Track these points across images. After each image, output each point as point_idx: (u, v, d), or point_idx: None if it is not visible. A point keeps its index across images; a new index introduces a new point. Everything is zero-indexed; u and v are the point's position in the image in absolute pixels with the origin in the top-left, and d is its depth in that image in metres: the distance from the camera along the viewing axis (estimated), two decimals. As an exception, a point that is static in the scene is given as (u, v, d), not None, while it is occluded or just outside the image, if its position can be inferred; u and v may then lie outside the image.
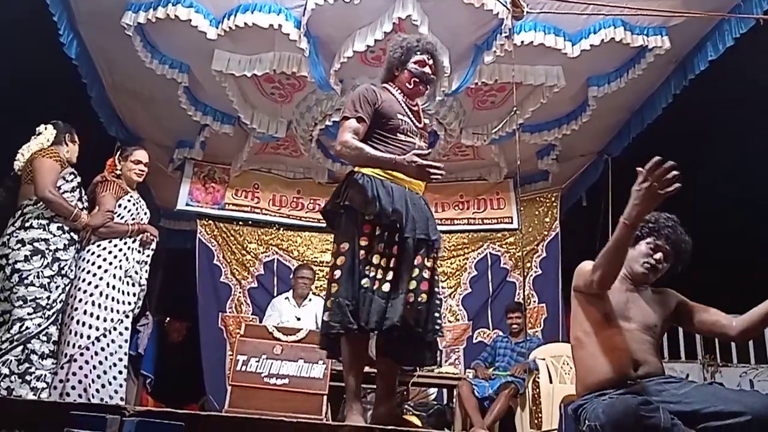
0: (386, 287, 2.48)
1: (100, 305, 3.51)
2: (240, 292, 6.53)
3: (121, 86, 5.44)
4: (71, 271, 3.52)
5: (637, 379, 2.23)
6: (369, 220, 2.55)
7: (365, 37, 4.50)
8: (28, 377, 3.25)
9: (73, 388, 3.37)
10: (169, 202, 6.70)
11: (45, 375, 3.32)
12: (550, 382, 4.56)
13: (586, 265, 2.41)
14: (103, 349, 3.49)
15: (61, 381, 3.38)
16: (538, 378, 4.65)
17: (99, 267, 3.57)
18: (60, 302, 3.43)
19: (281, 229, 6.78)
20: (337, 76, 4.93)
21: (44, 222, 3.46)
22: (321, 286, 6.52)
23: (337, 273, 2.53)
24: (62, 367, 3.41)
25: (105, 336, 3.50)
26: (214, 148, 6.34)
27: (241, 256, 6.62)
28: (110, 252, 3.63)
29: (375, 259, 2.51)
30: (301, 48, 4.56)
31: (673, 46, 4.61)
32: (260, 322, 5.71)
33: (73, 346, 3.42)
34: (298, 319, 5.33)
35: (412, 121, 2.81)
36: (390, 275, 2.50)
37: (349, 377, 2.57)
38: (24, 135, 3.70)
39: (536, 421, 4.59)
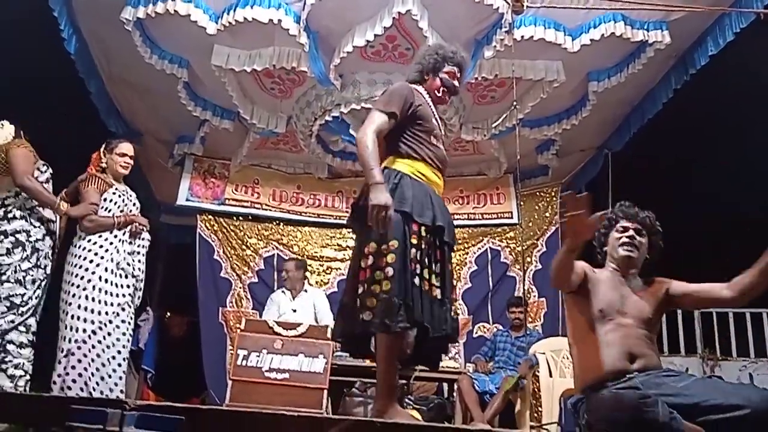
0: (437, 293, 2.50)
1: (93, 299, 3.51)
2: (240, 287, 6.54)
3: (121, 81, 5.43)
4: (47, 260, 3.53)
5: (635, 373, 2.24)
6: (417, 220, 2.52)
7: (365, 32, 4.49)
8: (4, 366, 3.29)
9: (74, 381, 3.39)
10: (169, 198, 6.70)
11: (23, 363, 3.35)
12: (550, 376, 4.57)
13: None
14: (100, 342, 3.49)
15: (59, 375, 3.40)
16: (538, 372, 4.66)
17: (90, 261, 3.57)
18: (36, 297, 3.45)
19: (281, 224, 6.79)
20: (337, 71, 4.92)
21: (26, 213, 3.49)
22: (320, 280, 6.56)
23: (389, 271, 2.43)
24: (59, 362, 3.43)
25: (101, 329, 3.50)
26: (214, 144, 6.34)
27: (241, 251, 6.63)
28: (101, 246, 3.62)
29: (426, 261, 2.50)
30: (300, 43, 4.56)
31: (674, 40, 4.60)
32: (260, 316, 5.73)
33: (69, 340, 3.43)
34: (294, 311, 5.36)
35: (439, 126, 2.84)
36: (439, 281, 2.52)
37: (392, 375, 2.52)
38: (23, 132, 3.69)
39: (536, 415, 4.61)
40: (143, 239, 3.85)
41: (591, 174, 6.48)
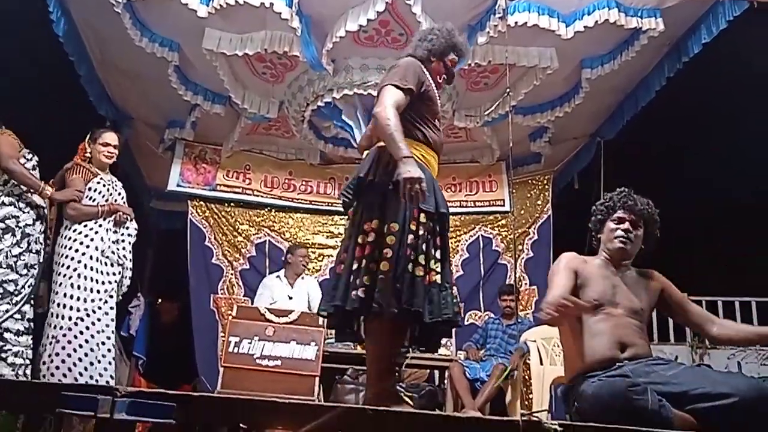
0: (437, 278, 2.47)
1: (79, 287, 3.56)
2: (232, 274, 6.52)
3: (111, 65, 5.37)
4: (39, 245, 3.57)
5: (625, 361, 2.24)
6: (420, 206, 2.47)
7: (358, 17, 4.46)
8: (3, 354, 3.32)
9: (57, 368, 3.43)
10: (159, 183, 6.66)
11: (22, 351, 3.39)
12: (541, 363, 4.59)
13: (560, 259, 2.46)
14: (87, 329, 3.53)
15: (44, 363, 3.45)
16: (529, 360, 4.68)
17: (76, 251, 3.62)
18: (29, 286, 3.48)
19: (273, 210, 6.76)
20: (329, 56, 4.88)
21: (14, 199, 3.52)
22: (312, 267, 6.55)
23: (388, 252, 2.42)
24: (44, 348, 3.47)
25: (88, 317, 3.55)
26: (205, 129, 6.29)
27: (232, 237, 6.60)
28: (85, 235, 3.67)
29: (424, 248, 2.47)
30: (293, 27, 4.51)
31: (667, 28, 4.59)
32: (252, 303, 5.71)
33: (55, 327, 3.49)
34: (291, 298, 5.34)
35: (440, 109, 2.83)
36: (439, 266, 2.50)
37: (384, 360, 2.54)
38: (13, 122, 3.69)
39: (527, 403, 4.64)
40: (128, 228, 3.88)
41: (584, 162, 6.48)
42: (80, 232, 3.66)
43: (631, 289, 2.44)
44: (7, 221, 3.45)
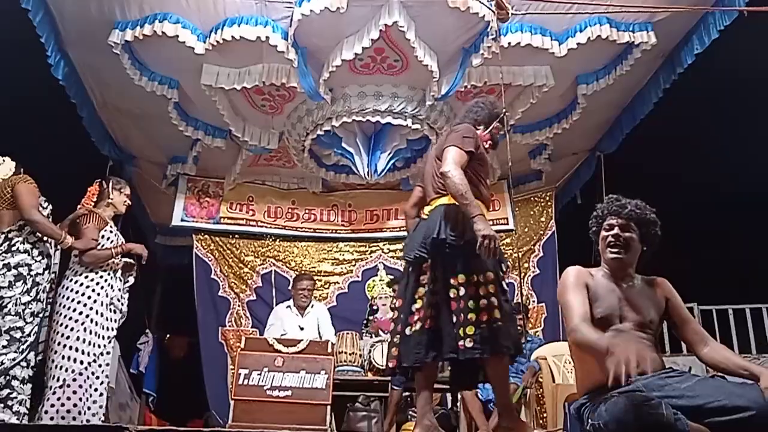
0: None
1: (91, 331, 3.67)
2: (239, 306, 6.51)
3: (112, 105, 5.44)
4: (44, 294, 3.62)
5: (637, 376, 2.21)
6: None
7: (353, 45, 4.51)
8: (9, 402, 3.35)
9: (68, 411, 3.49)
10: (164, 219, 6.69)
11: (25, 400, 3.42)
12: (553, 381, 4.55)
13: (567, 275, 2.43)
14: (93, 374, 3.64)
15: (53, 406, 3.49)
16: (541, 378, 4.64)
17: (89, 297, 3.72)
18: (34, 333, 3.52)
19: (277, 240, 6.78)
20: (327, 86, 4.94)
21: (28, 247, 3.57)
22: (319, 295, 6.53)
23: (494, 300, 2.72)
24: (53, 393, 3.51)
25: (95, 361, 3.66)
26: (206, 163, 6.34)
27: (238, 269, 6.61)
28: (97, 282, 3.79)
29: (491, 289, 2.76)
30: (289, 59, 4.57)
31: (660, 40, 4.64)
32: (261, 334, 5.70)
33: (66, 370, 3.55)
34: (302, 328, 5.31)
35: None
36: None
37: (508, 392, 2.96)
38: (16, 157, 3.75)
39: (541, 421, 4.58)
40: (131, 276, 4.07)
41: (585, 177, 6.49)
42: (92, 279, 3.77)
43: (639, 300, 2.37)
44: (19, 269, 3.50)
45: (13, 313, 3.42)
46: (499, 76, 4.74)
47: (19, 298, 3.46)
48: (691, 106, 6.00)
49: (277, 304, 5.98)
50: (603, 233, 2.45)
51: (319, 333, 5.34)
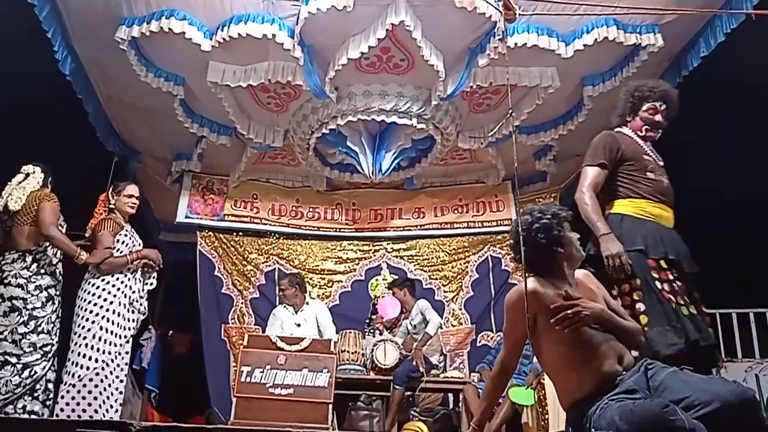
0: (693, 310, 2.74)
1: (109, 331, 3.74)
2: (242, 303, 6.52)
3: (118, 100, 5.44)
4: (50, 325, 3.75)
5: (623, 373, 2.19)
6: (652, 256, 2.76)
7: (359, 44, 4.51)
8: (35, 393, 3.58)
9: (84, 411, 3.56)
10: (168, 215, 6.70)
11: (51, 393, 3.62)
12: (556, 382, 4.54)
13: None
14: (111, 373, 3.71)
15: (68, 404, 3.59)
16: (543, 380, 4.64)
17: (105, 299, 3.79)
18: (57, 343, 3.74)
19: (281, 238, 6.78)
20: (333, 84, 4.93)
21: (53, 269, 3.78)
22: (322, 293, 6.54)
23: (640, 306, 2.69)
24: (68, 390, 3.61)
25: (113, 361, 3.73)
26: (211, 160, 6.35)
27: (242, 266, 6.61)
28: (113, 285, 3.86)
29: (675, 288, 2.74)
30: (295, 57, 4.57)
31: (666, 43, 4.62)
32: (263, 331, 5.70)
33: (84, 367, 3.64)
34: (298, 325, 5.33)
35: (655, 160, 3.05)
36: (687, 303, 2.76)
37: None
38: (21, 155, 3.81)
39: (542, 424, 4.58)
40: (152, 277, 4.10)
41: (589, 178, 6.46)
42: (108, 282, 3.84)
43: (588, 296, 2.37)
44: (49, 290, 3.74)
45: (45, 332, 3.65)
46: (505, 77, 4.75)
47: (50, 317, 3.69)
48: (696, 110, 5.95)
49: (280, 303, 6.00)
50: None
51: (319, 331, 5.35)
